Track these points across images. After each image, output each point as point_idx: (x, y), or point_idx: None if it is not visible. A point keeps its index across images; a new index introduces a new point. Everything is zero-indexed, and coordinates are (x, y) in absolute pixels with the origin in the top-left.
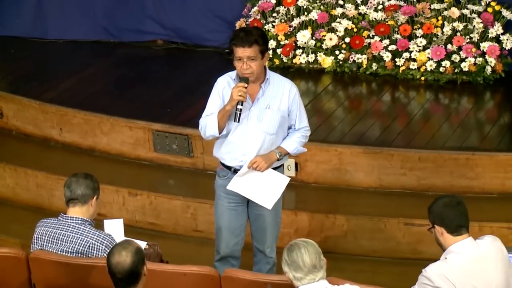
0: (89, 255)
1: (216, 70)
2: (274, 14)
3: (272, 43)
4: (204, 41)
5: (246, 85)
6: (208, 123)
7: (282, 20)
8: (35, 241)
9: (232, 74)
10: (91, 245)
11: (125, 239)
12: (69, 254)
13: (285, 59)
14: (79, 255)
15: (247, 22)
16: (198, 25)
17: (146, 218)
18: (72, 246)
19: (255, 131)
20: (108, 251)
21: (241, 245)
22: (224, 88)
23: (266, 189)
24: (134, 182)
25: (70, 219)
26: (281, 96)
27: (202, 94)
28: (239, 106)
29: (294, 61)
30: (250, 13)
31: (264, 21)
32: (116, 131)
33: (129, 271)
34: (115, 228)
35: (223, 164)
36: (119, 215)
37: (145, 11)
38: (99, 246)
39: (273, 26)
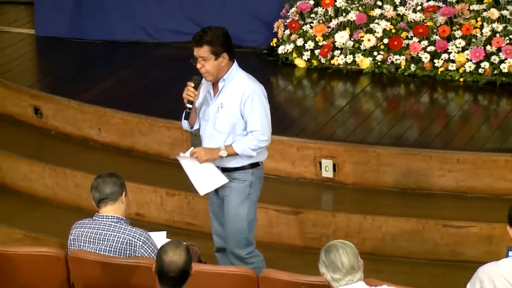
0: (127, 252)
1: (254, 71)
2: (312, 15)
3: (310, 44)
4: (242, 42)
5: (192, 84)
6: (182, 119)
7: (320, 21)
8: (72, 242)
9: None
10: (128, 241)
11: (172, 240)
12: (107, 253)
13: (323, 60)
14: (117, 253)
15: (285, 23)
16: (236, 26)
17: (184, 218)
18: (110, 244)
19: (209, 128)
20: (146, 247)
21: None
22: (203, 85)
23: (203, 177)
24: (172, 182)
25: (106, 218)
26: (234, 97)
27: None
28: (188, 105)
29: (332, 62)
30: (288, 14)
31: (302, 22)
32: (154, 131)
33: (182, 269)
34: (158, 241)
35: None
36: (157, 215)
37: (184, 11)
38: (136, 242)
39: (311, 27)
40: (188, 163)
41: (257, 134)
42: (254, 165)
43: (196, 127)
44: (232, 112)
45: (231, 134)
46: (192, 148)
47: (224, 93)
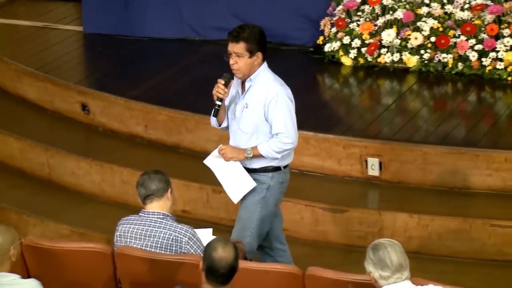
0: (173, 248)
1: (300, 69)
2: (359, 13)
3: (356, 42)
4: (288, 40)
5: (223, 82)
6: (211, 116)
7: (367, 19)
8: (118, 238)
9: None
10: (174, 238)
11: (219, 236)
12: (153, 249)
13: (369, 58)
14: (163, 249)
15: (331, 21)
16: (283, 23)
17: (230, 215)
18: (156, 240)
19: (235, 126)
20: (192, 243)
21: (264, 235)
22: (234, 83)
23: (233, 182)
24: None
25: (152, 214)
26: (259, 98)
27: None
28: (217, 102)
29: (378, 60)
30: (335, 12)
31: (349, 20)
32: (201, 128)
33: (232, 266)
34: (204, 238)
35: None
36: (203, 212)
37: (230, 9)
38: (182, 238)
39: (358, 25)
40: (217, 165)
41: (281, 136)
42: (276, 168)
43: (224, 124)
44: (256, 113)
45: (254, 134)
46: (221, 145)
47: (250, 93)
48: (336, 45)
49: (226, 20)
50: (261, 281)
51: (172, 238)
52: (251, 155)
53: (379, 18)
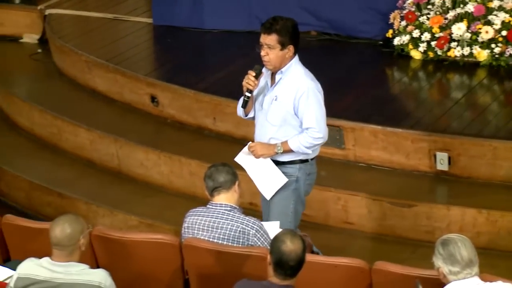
0: (240, 240)
1: (369, 62)
2: (429, 6)
3: (426, 36)
4: (357, 33)
5: (254, 73)
6: (238, 104)
7: (437, 12)
8: (186, 230)
9: None
10: (241, 230)
11: (285, 229)
12: (220, 241)
13: (439, 52)
14: (230, 241)
15: (401, 14)
16: (352, 16)
17: None
18: (223, 232)
19: (262, 118)
20: (259, 236)
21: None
22: (263, 74)
23: (265, 178)
24: None
25: (219, 206)
26: (289, 92)
27: (355, 86)
28: (247, 93)
29: (448, 54)
30: (404, 5)
31: (419, 13)
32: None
33: (300, 258)
34: (271, 230)
35: None
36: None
37: (300, 2)
38: (250, 231)
39: (428, 18)
40: (248, 162)
41: (312, 131)
42: (303, 161)
43: (250, 115)
44: (285, 106)
45: (282, 127)
46: (250, 142)
47: (280, 85)
48: (405, 38)
49: (294, 13)
50: (328, 274)
51: (240, 230)
52: (281, 151)
53: (450, 11)
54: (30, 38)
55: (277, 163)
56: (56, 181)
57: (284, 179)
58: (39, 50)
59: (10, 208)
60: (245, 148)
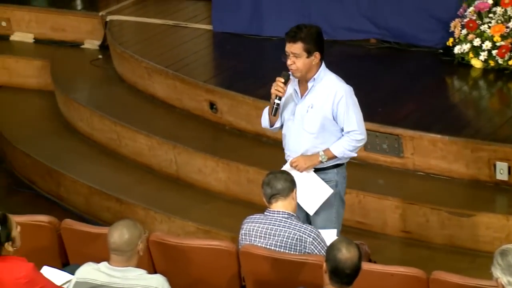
0: (297, 248)
1: (429, 70)
2: (491, 15)
3: (487, 44)
4: (417, 41)
5: (283, 80)
6: (263, 115)
7: (499, 21)
8: (243, 237)
9: None
10: (298, 237)
11: (340, 237)
12: (277, 248)
13: (500, 61)
14: (287, 248)
15: (462, 22)
16: (412, 24)
17: (355, 217)
18: (280, 240)
19: (297, 128)
20: (316, 244)
21: None
22: (290, 82)
23: (309, 193)
24: None
25: (277, 213)
26: (326, 98)
27: (414, 94)
28: (276, 101)
29: (509, 63)
30: (465, 13)
31: (480, 22)
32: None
33: (357, 266)
34: (328, 238)
35: None
36: None
37: (360, 10)
38: (307, 238)
39: (489, 27)
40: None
41: (354, 134)
42: (339, 164)
43: (277, 125)
44: (323, 112)
45: (320, 134)
46: (290, 159)
47: (314, 93)
48: (466, 47)
49: (355, 21)
50: (385, 283)
51: (297, 238)
52: (325, 159)
53: (511, 20)
54: (91, 44)
55: (316, 170)
56: (114, 186)
57: (329, 190)
58: (100, 56)
59: (69, 212)
60: (286, 165)
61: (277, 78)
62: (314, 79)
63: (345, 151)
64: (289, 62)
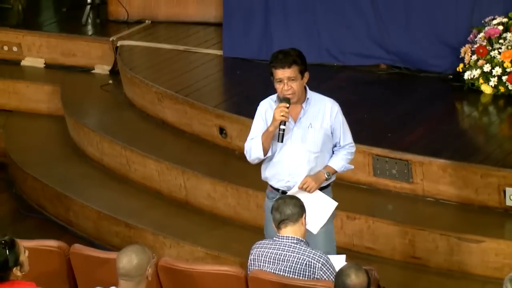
0: (306, 273)
1: (439, 96)
2: (501, 41)
3: (497, 70)
4: (427, 67)
5: (287, 105)
6: (253, 146)
7: (509, 47)
8: (252, 262)
9: (274, 97)
10: (307, 263)
11: (349, 263)
12: (286, 274)
13: (510, 87)
14: (296, 274)
15: (472, 48)
16: (422, 50)
17: (363, 242)
18: (289, 265)
19: (299, 151)
20: (325, 269)
21: None
22: (266, 111)
23: (313, 212)
24: (352, 206)
25: (286, 239)
26: (322, 115)
27: (424, 119)
28: (282, 126)
29: None
30: (476, 39)
31: (490, 48)
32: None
33: None
34: (337, 264)
35: (272, 186)
36: (337, 238)
37: (370, 35)
38: (316, 264)
39: (499, 53)
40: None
41: (349, 146)
42: (330, 183)
43: (269, 154)
44: (324, 130)
45: (323, 152)
46: (297, 183)
47: (309, 113)
48: (476, 73)
49: (364, 46)
50: None
51: (306, 263)
52: (330, 176)
53: None
54: (102, 69)
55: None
56: (124, 211)
57: (334, 203)
58: (110, 81)
59: (78, 237)
60: (295, 189)
61: (281, 104)
62: (308, 99)
63: (345, 165)
64: (285, 87)
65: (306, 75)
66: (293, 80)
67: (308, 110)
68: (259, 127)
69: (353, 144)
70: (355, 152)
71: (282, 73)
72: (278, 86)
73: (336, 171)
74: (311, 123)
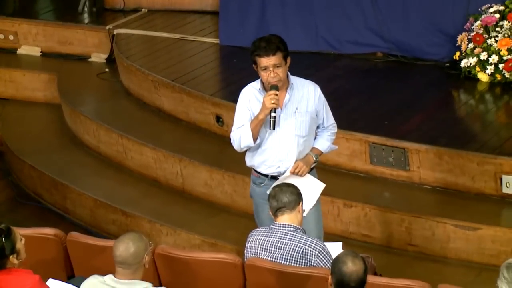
0: (303, 261)
1: (436, 84)
2: (498, 29)
3: (494, 58)
4: (424, 55)
5: (277, 93)
6: (242, 135)
7: (506, 35)
8: (248, 249)
9: (256, 85)
10: (304, 250)
11: (346, 250)
12: (282, 261)
13: (507, 75)
14: (293, 261)
15: (469, 36)
16: (419, 38)
17: (360, 230)
18: (286, 253)
19: (288, 136)
20: (322, 257)
21: None
22: (250, 100)
23: (304, 194)
24: (349, 194)
25: (283, 226)
26: (307, 98)
27: (420, 108)
28: (273, 114)
29: None
30: (472, 27)
31: (487, 36)
32: (335, 143)
33: (362, 279)
34: (334, 251)
35: (258, 172)
36: (333, 226)
37: (366, 23)
38: (312, 251)
39: (496, 41)
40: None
41: (332, 127)
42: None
43: (258, 141)
44: (310, 113)
45: (310, 135)
46: (288, 168)
47: (294, 98)
48: (472, 61)
49: (361, 34)
50: None
51: (302, 251)
52: (318, 158)
53: None
54: (98, 57)
55: None
56: (120, 199)
57: (322, 185)
58: (107, 70)
59: (75, 225)
60: (286, 174)
61: (271, 92)
62: (292, 84)
63: (330, 145)
64: (272, 74)
65: (289, 60)
66: (278, 66)
67: (292, 95)
68: (245, 116)
69: (335, 124)
70: (336, 132)
71: (267, 61)
72: (264, 74)
73: (322, 152)
74: (297, 108)
